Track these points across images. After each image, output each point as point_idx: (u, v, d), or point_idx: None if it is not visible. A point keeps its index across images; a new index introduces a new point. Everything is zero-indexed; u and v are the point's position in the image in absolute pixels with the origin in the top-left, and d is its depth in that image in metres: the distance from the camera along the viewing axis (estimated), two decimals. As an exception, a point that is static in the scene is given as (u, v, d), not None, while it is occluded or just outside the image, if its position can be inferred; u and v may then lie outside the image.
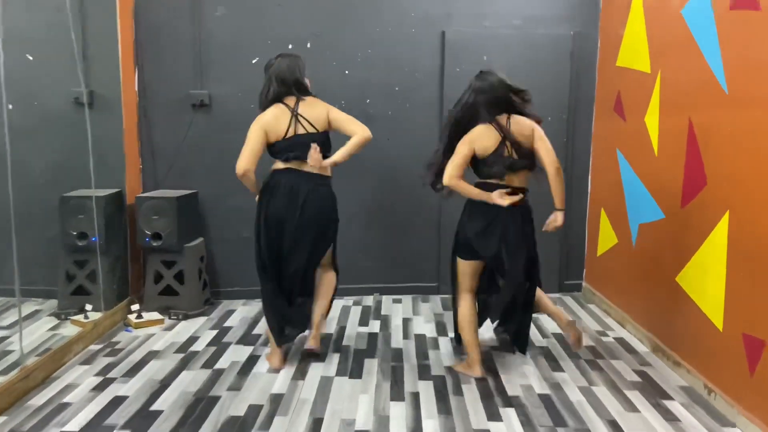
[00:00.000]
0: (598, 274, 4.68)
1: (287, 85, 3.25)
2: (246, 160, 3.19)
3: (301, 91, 3.28)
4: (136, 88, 4.38)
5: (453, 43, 4.57)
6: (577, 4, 4.61)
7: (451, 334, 3.78)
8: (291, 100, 3.26)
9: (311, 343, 3.41)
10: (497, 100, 3.12)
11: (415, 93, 4.63)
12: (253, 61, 4.44)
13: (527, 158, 3.14)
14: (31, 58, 4.27)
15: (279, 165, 3.30)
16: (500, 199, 3.05)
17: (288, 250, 3.29)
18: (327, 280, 3.58)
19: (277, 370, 3.32)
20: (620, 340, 3.83)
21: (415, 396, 3.03)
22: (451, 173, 3.10)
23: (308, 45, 4.49)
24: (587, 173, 4.79)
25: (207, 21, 4.43)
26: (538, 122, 3.18)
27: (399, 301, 4.67)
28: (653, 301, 3.68)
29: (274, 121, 3.22)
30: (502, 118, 3.11)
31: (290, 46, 4.46)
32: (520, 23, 4.61)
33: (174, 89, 4.46)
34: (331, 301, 3.59)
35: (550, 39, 4.63)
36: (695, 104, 3.20)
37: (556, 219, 3.20)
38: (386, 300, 4.69)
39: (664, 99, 3.56)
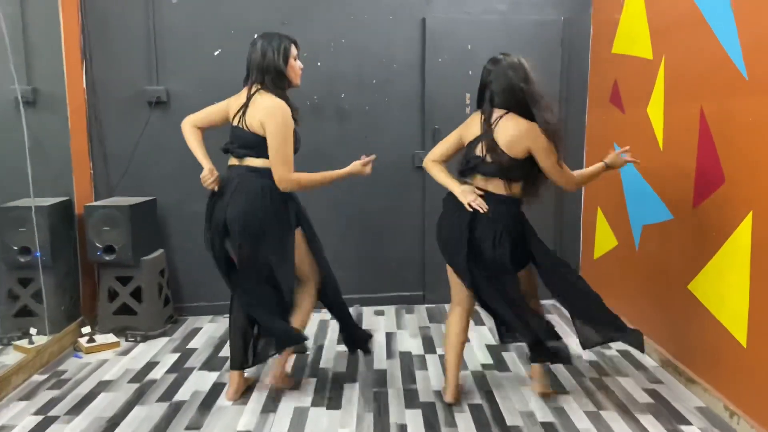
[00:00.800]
0: (596, 278, 4.31)
1: (262, 71, 2.75)
2: (193, 116, 2.89)
3: (265, 82, 2.76)
4: (84, 85, 3.93)
5: (434, 30, 4.20)
6: (567, -14, 4.27)
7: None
8: (254, 87, 2.76)
9: (271, 380, 3.04)
10: (504, 87, 2.67)
11: (394, 86, 4.25)
12: (215, 53, 4.04)
13: (502, 166, 2.64)
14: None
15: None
16: (463, 196, 2.66)
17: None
18: (304, 303, 3.02)
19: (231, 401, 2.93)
20: (625, 354, 3.50)
21: (402, 429, 2.66)
22: (430, 154, 2.86)
23: (276, 35, 4.07)
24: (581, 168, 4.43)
25: (163, 9, 3.99)
26: (552, 131, 2.64)
27: (381, 313, 4.30)
28: (661, 310, 3.35)
29: (234, 101, 2.84)
30: (496, 112, 2.69)
31: (255, 36, 4.06)
32: (506, 8, 4.25)
33: (127, 85, 4.02)
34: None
35: (539, 25, 4.27)
36: (708, 91, 2.86)
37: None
38: (367, 312, 4.31)
39: (669, 87, 3.23)
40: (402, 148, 4.31)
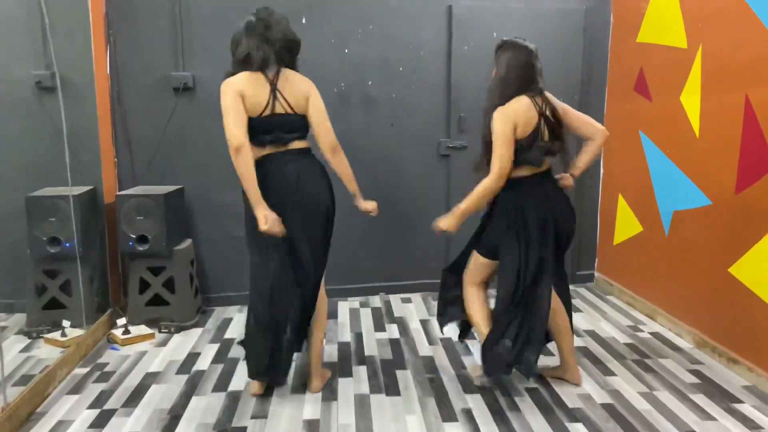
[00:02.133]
0: (615, 263, 4.44)
1: (274, 50, 2.59)
2: (238, 129, 2.48)
3: (286, 60, 2.65)
4: (108, 71, 3.82)
5: (460, 18, 4.20)
6: (590, -25, 4.32)
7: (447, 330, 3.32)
8: (271, 71, 2.61)
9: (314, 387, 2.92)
10: (533, 70, 2.71)
11: (420, 73, 4.24)
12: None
13: (560, 139, 2.77)
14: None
15: (255, 152, 2.61)
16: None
17: (299, 258, 2.70)
18: (321, 305, 2.89)
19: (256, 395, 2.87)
20: (657, 335, 3.60)
21: (468, 414, 2.69)
22: (505, 168, 2.63)
23: (303, 20, 4.03)
24: (599, 157, 4.53)
25: (188, -7, 3.90)
26: None
27: (408, 300, 4.31)
28: (697, 292, 3.45)
29: (252, 90, 2.56)
30: (537, 95, 2.71)
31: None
32: (532, -3, 4.28)
33: (152, 71, 3.91)
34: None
35: (562, 14, 4.32)
36: (754, 79, 2.94)
37: (568, 179, 2.90)
38: (394, 300, 4.32)
39: (707, 75, 3.31)
40: (427, 136, 4.32)
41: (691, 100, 3.44)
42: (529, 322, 2.73)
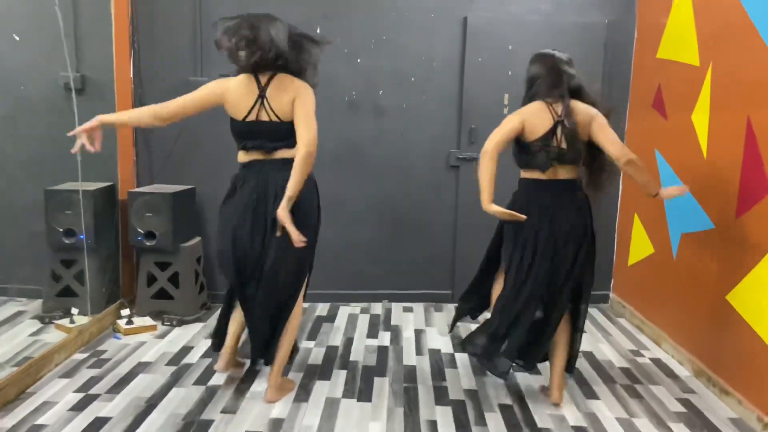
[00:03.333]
0: (629, 285, 4.31)
1: (268, 56, 2.59)
2: (174, 102, 2.75)
3: (279, 66, 2.65)
4: (131, 74, 4.03)
5: (475, 29, 4.20)
6: (612, -11, 4.22)
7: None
8: (264, 76, 2.66)
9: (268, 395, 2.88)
10: (557, 76, 2.76)
11: (432, 84, 4.26)
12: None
13: (577, 151, 2.74)
14: (17, 38, 3.94)
15: (241, 156, 2.75)
16: (495, 211, 2.70)
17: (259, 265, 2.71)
18: (292, 320, 2.84)
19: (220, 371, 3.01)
20: (657, 362, 3.47)
21: (432, 425, 2.68)
22: (493, 141, 2.70)
23: (318, 30, 4.12)
24: (618, 175, 4.40)
25: (208, 1, 4.07)
26: (606, 115, 2.78)
27: (410, 309, 4.32)
28: (697, 319, 3.31)
29: (236, 92, 2.65)
30: (559, 101, 2.74)
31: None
32: (550, 9, 4.22)
33: (173, 75, 4.11)
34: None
35: (582, 28, 4.24)
36: (756, 101, 2.82)
37: (672, 190, 2.85)
38: (396, 308, 4.34)
39: (716, 95, 3.18)
40: (437, 147, 4.33)
41: (700, 120, 3.32)
42: (514, 326, 2.79)
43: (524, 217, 2.72)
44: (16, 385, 2.85)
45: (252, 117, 2.66)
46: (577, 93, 2.79)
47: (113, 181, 3.94)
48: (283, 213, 2.54)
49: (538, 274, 2.77)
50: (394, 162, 4.31)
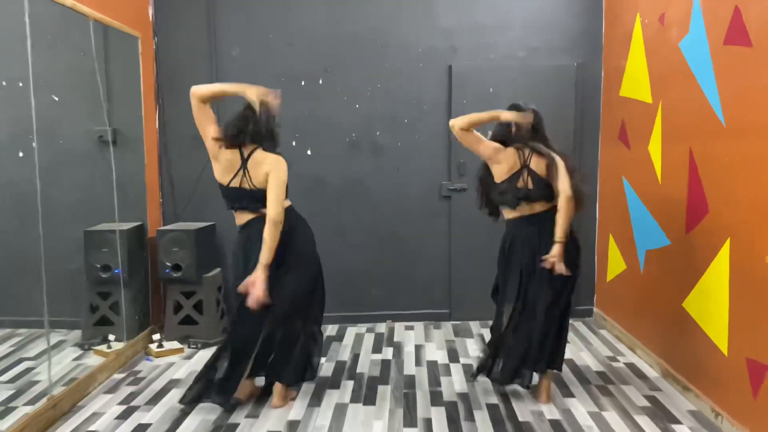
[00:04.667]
0: (608, 299, 4.74)
1: (252, 134, 3.13)
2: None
3: (256, 141, 3.15)
4: (157, 126, 4.57)
5: (459, 75, 4.73)
6: (580, 36, 4.75)
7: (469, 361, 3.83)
8: (248, 149, 3.14)
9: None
10: (527, 127, 3.24)
11: (423, 124, 4.78)
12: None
13: (544, 189, 3.21)
14: (56, 98, 4.48)
15: (237, 219, 3.27)
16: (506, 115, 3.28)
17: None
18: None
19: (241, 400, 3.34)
20: (631, 366, 3.89)
21: (428, 422, 3.11)
22: (460, 130, 3.32)
23: (320, 81, 4.67)
24: (595, 200, 4.88)
25: (223, 60, 4.63)
26: (564, 159, 3.23)
27: (411, 327, 4.76)
28: (662, 326, 3.74)
29: (224, 161, 3.16)
30: (526, 148, 3.24)
31: (302, 82, 4.67)
32: (525, 55, 4.75)
33: (193, 126, 4.62)
34: None
35: (555, 70, 4.76)
36: (695, 134, 3.30)
37: (553, 251, 3.11)
38: (398, 327, 4.78)
39: (665, 129, 3.67)
40: (430, 179, 4.82)
41: (655, 150, 3.80)
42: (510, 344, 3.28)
43: None
44: (69, 400, 3.31)
45: (235, 184, 3.13)
46: (542, 139, 3.28)
47: (142, 221, 4.44)
48: (254, 278, 2.96)
49: (528, 298, 3.24)
50: (392, 194, 4.81)
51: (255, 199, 3.13)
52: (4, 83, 3.60)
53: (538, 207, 3.26)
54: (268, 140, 3.17)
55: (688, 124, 3.39)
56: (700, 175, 3.24)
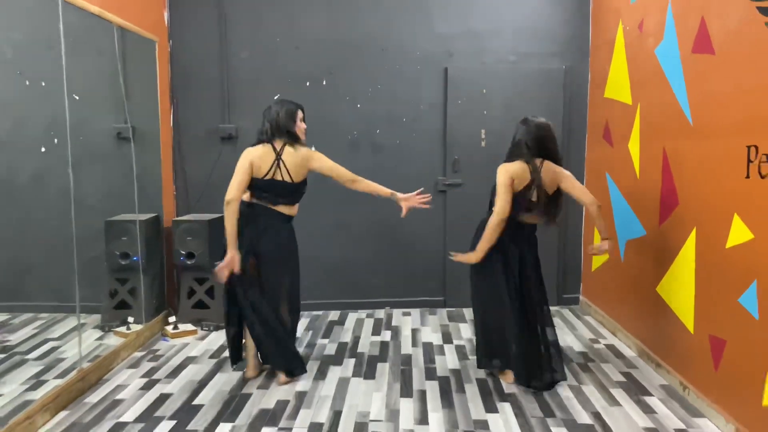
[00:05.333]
0: (593, 287, 5.07)
1: (280, 132, 3.47)
2: (235, 189, 3.37)
3: (291, 138, 3.50)
4: (171, 124, 4.89)
5: (454, 78, 5.05)
6: (568, 41, 5.07)
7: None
8: (278, 143, 3.48)
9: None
10: (537, 141, 3.43)
11: (420, 123, 5.10)
12: (275, 97, 4.91)
13: (546, 203, 3.44)
14: (77, 98, 4.79)
15: (253, 199, 3.55)
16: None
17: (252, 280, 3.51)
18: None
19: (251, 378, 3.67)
20: (611, 347, 4.21)
21: (422, 393, 3.44)
22: (505, 208, 3.33)
23: (324, 82, 4.99)
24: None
25: (233, 63, 4.95)
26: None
27: (408, 314, 5.09)
28: (639, 310, 4.06)
29: (258, 160, 3.43)
30: (538, 161, 3.43)
31: (307, 84, 4.98)
32: (516, 59, 5.07)
33: (204, 123, 4.97)
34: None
35: (544, 73, 5.08)
36: (667, 134, 3.63)
37: (603, 245, 3.50)
38: (396, 313, 5.10)
39: (643, 128, 3.99)
40: (427, 175, 5.13)
41: (634, 148, 4.12)
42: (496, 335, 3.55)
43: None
44: (96, 373, 3.63)
45: (269, 176, 3.46)
46: (550, 154, 3.48)
47: (158, 212, 4.76)
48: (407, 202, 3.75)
49: (512, 295, 3.49)
50: (391, 189, 5.09)
51: (282, 191, 3.50)
52: (43, 84, 3.89)
53: (530, 219, 3.50)
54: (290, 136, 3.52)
55: (661, 124, 3.71)
56: (672, 171, 3.56)
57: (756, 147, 2.73)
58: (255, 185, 3.49)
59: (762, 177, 2.68)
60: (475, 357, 3.79)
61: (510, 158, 3.48)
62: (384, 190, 3.73)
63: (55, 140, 4.15)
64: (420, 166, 5.11)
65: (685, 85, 3.41)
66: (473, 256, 3.48)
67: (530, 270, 3.53)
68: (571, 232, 5.24)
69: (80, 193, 4.84)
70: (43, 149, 4.19)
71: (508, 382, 3.59)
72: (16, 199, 4.05)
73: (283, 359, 3.60)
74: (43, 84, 4.02)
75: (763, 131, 2.68)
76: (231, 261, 3.36)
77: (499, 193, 3.38)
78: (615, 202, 4.48)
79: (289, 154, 3.49)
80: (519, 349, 3.46)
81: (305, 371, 3.69)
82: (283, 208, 3.55)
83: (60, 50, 3.45)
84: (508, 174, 3.37)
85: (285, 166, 3.47)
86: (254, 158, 3.45)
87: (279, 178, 3.47)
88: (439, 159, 5.13)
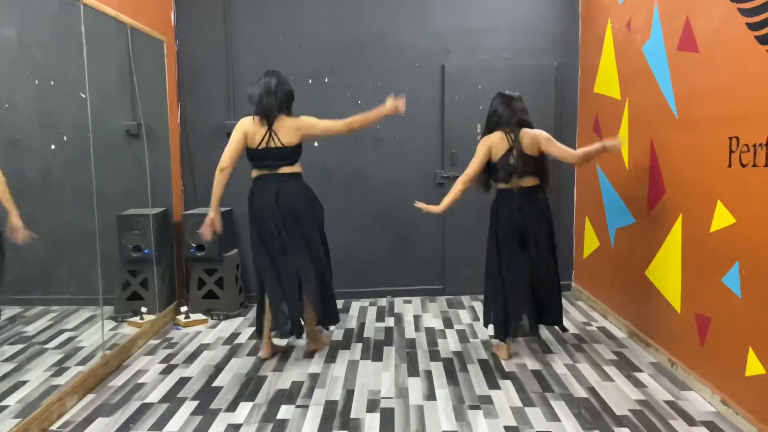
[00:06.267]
0: (584, 274, 5.31)
1: (269, 101, 3.67)
2: (227, 157, 3.69)
3: (281, 109, 3.70)
4: (179, 121, 5.06)
5: (451, 74, 5.25)
6: (559, 38, 5.29)
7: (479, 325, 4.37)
8: (270, 114, 3.68)
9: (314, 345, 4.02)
10: (512, 112, 3.78)
11: (419, 118, 5.30)
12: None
13: (532, 165, 3.75)
14: (83, 95, 4.93)
15: (254, 173, 3.82)
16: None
17: (278, 245, 3.72)
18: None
19: (265, 359, 3.90)
20: (602, 329, 4.46)
21: (428, 373, 3.66)
22: (468, 173, 3.78)
23: (326, 79, 5.18)
24: (573, 186, 5.44)
25: (239, 60, 5.12)
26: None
27: (409, 301, 5.30)
28: (629, 293, 4.30)
29: (252, 129, 3.67)
30: (515, 130, 3.75)
31: (310, 81, 5.16)
32: (510, 56, 5.29)
33: (211, 120, 5.14)
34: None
35: (536, 69, 5.30)
36: (654, 127, 3.86)
37: (611, 141, 3.70)
38: (398, 301, 5.32)
39: (631, 121, 4.23)
40: (425, 168, 5.35)
41: (623, 141, 4.35)
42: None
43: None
44: (116, 359, 3.82)
45: (263, 145, 3.69)
46: (525, 122, 3.82)
47: (167, 206, 4.93)
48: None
49: (518, 258, 3.76)
50: (391, 182, 5.33)
51: (279, 156, 3.73)
52: (52, 83, 4.03)
53: (528, 182, 3.79)
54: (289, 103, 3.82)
55: (649, 118, 3.94)
56: (659, 161, 3.80)
57: (737, 138, 2.96)
58: (253, 156, 3.74)
59: (743, 166, 2.91)
60: (476, 339, 4.01)
61: (491, 129, 3.84)
62: (375, 114, 3.96)
63: (65, 137, 4.30)
64: (419, 160, 5.32)
65: (671, 81, 3.64)
66: (437, 208, 3.93)
67: (536, 231, 3.77)
68: (563, 222, 5.47)
69: (88, 189, 4.99)
70: (53, 147, 4.33)
71: (503, 358, 3.84)
72: (34, 194, 4.20)
73: (325, 308, 3.84)
74: (59, 83, 4.15)
75: (743, 123, 2.92)
76: (212, 221, 3.71)
77: (472, 160, 3.77)
78: (605, 192, 4.71)
79: (281, 124, 3.70)
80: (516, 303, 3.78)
81: (339, 320, 4.02)
82: (286, 169, 3.77)
83: (82, 52, 3.60)
84: (486, 144, 3.78)
85: (276, 135, 3.69)
86: (248, 130, 3.69)
87: (272, 145, 3.69)
88: (437, 153, 5.34)
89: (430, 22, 5.23)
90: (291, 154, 3.77)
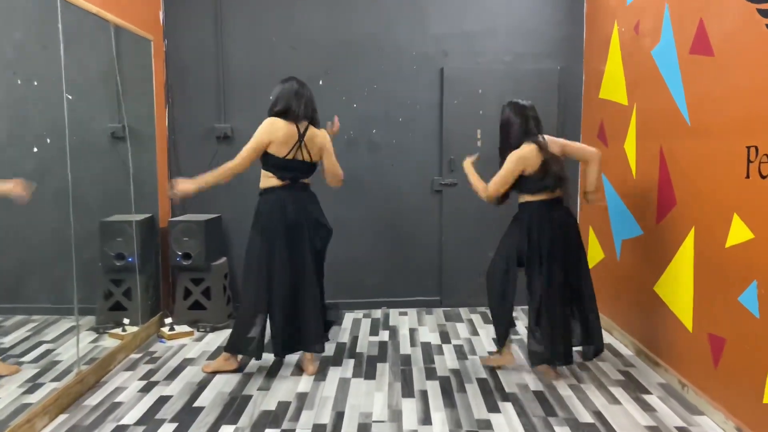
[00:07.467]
0: (588, 286, 5.09)
1: (307, 112, 3.59)
2: (246, 161, 3.52)
3: (313, 121, 3.65)
4: (167, 124, 4.85)
5: (450, 78, 5.05)
6: (562, 41, 5.10)
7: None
8: (303, 125, 3.58)
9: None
10: (536, 121, 3.62)
11: (416, 123, 5.10)
12: (271, 97, 4.91)
13: (554, 175, 3.55)
14: (70, 97, 4.73)
15: (273, 182, 3.59)
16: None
17: (286, 260, 3.58)
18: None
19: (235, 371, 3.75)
20: (607, 346, 4.24)
21: (424, 393, 3.44)
22: (498, 190, 3.58)
23: (320, 82, 4.97)
24: (576, 194, 5.23)
25: (229, 63, 4.92)
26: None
27: (405, 313, 5.09)
28: (635, 309, 4.10)
29: (282, 139, 3.49)
30: (540, 137, 3.57)
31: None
32: (511, 59, 5.09)
33: (200, 123, 4.93)
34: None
35: (538, 73, 5.10)
36: (664, 134, 3.66)
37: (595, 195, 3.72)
38: (393, 313, 5.10)
39: (639, 128, 4.03)
40: (423, 175, 5.15)
41: (630, 148, 4.16)
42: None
43: None
44: (94, 375, 3.60)
45: (291, 156, 3.56)
46: (542, 131, 3.66)
47: (153, 212, 4.72)
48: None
49: (546, 272, 3.60)
50: (387, 189, 5.12)
51: (305, 170, 3.66)
52: (36, 83, 3.84)
53: (558, 192, 3.61)
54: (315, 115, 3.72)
55: (658, 125, 3.74)
56: (669, 171, 3.60)
57: (756, 147, 2.76)
58: (274, 164, 3.56)
59: (762, 177, 2.71)
60: (474, 356, 3.80)
61: (509, 141, 3.60)
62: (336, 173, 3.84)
63: (48, 140, 4.10)
64: (416, 166, 5.12)
65: (683, 86, 3.44)
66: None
67: (559, 252, 3.59)
68: (566, 232, 5.26)
69: (75, 193, 4.79)
70: (35, 149, 4.13)
71: (497, 364, 3.72)
72: (9, 200, 4.01)
73: (318, 334, 3.70)
74: (38, 83, 3.97)
75: (763, 132, 2.72)
76: (185, 189, 3.58)
77: (500, 175, 3.54)
78: (610, 201, 4.51)
79: (311, 136, 3.60)
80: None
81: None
82: (305, 180, 3.72)
83: (59, 49, 3.40)
84: (521, 162, 3.51)
85: (306, 148, 3.58)
86: (277, 136, 3.49)
87: (300, 158, 3.57)
88: (435, 159, 5.14)
89: (428, 25, 5.04)
90: (313, 169, 3.73)
